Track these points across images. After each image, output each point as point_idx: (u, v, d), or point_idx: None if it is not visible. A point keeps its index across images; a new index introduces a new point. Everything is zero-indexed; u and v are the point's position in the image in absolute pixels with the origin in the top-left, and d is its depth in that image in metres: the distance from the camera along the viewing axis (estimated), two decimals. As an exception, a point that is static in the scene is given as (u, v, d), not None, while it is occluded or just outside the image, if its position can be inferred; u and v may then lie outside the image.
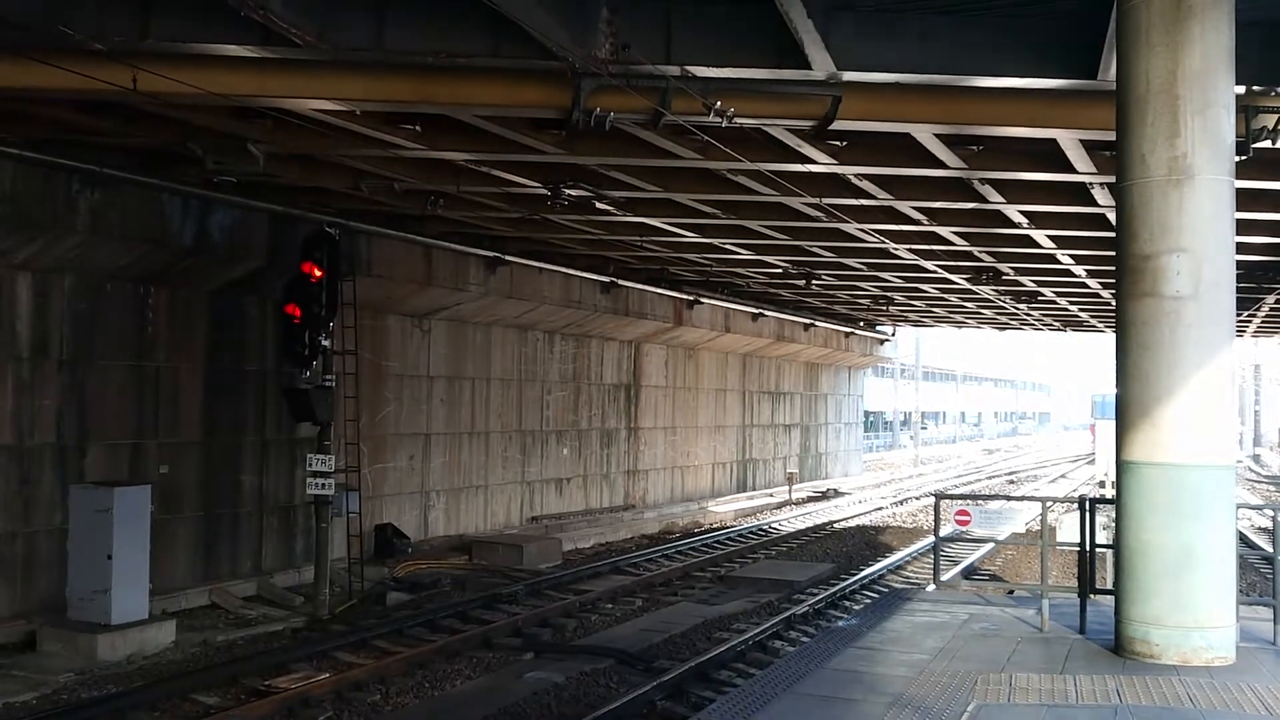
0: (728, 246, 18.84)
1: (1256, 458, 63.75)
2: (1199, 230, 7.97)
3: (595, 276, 21.66)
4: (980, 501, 13.40)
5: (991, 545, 19.54)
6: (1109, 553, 9.95)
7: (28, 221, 11.95)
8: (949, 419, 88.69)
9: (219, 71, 9.28)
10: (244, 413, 15.50)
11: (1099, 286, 22.54)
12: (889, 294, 26.69)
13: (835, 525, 25.62)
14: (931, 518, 16.67)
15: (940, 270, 20.96)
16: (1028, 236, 16.75)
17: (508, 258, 19.00)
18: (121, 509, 12.14)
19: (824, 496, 32.53)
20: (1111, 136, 8.59)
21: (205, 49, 8.87)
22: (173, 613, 13.42)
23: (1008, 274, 21.51)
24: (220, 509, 15.14)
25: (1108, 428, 17.64)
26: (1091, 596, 9.41)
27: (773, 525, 25.36)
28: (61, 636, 11.90)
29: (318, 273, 13.77)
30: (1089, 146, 11.24)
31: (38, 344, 12.80)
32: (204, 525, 14.88)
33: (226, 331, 15.21)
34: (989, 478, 44.86)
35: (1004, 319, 32.42)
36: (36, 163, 11.83)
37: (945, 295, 25.84)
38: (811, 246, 18.62)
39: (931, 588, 12.13)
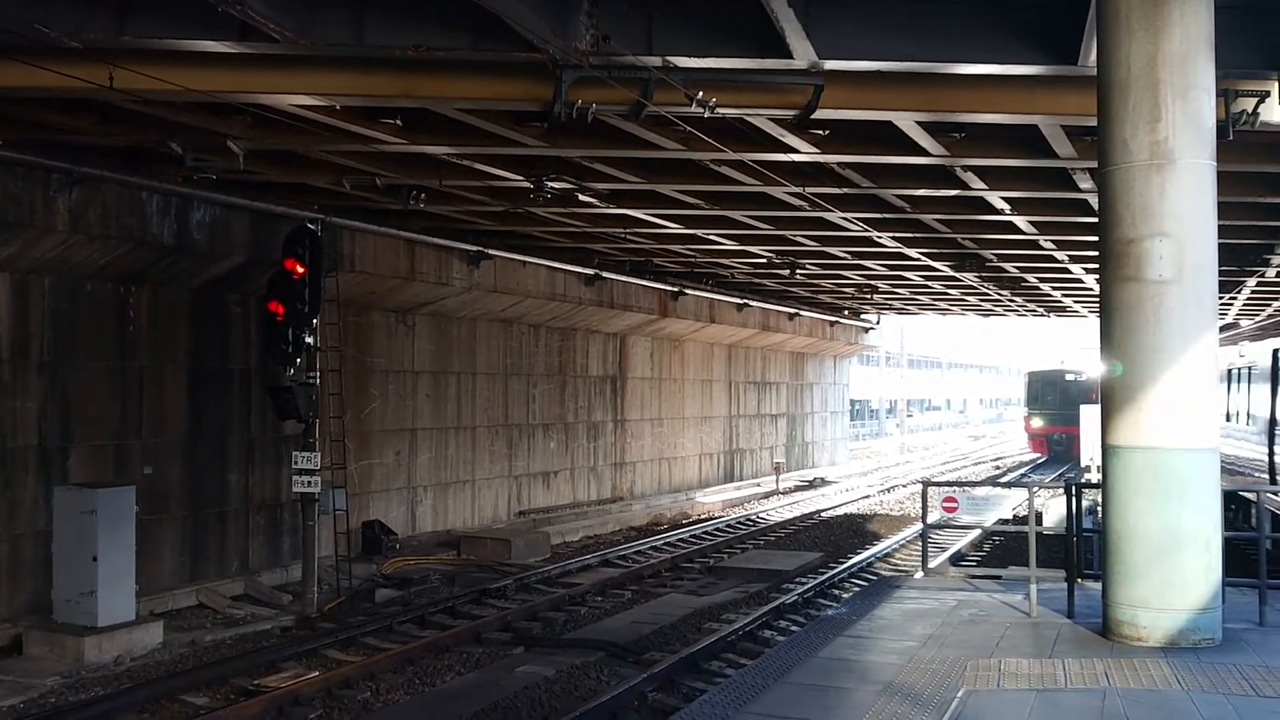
0: (712, 237, 18.82)
1: None
2: (1181, 214, 8.02)
3: (579, 269, 21.62)
4: (967, 488, 13.45)
5: (979, 531, 19.62)
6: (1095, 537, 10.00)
7: (5, 222, 11.84)
8: (934, 406, 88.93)
9: (197, 68, 9.22)
10: (228, 411, 15.42)
11: (1082, 272, 22.63)
12: (873, 282, 26.74)
13: (823, 514, 25.68)
14: (918, 505, 16.71)
15: (923, 258, 21.00)
16: (1010, 223, 16.80)
17: (491, 252, 18.95)
18: (106, 510, 12.07)
19: (811, 485, 32.61)
20: (1093, 122, 8.61)
21: (183, 45, 8.79)
22: (160, 613, 13.36)
23: (991, 260, 21.57)
24: (206, 509, 15.07)
25: (1092, 413, 17.75)
26: (1079, 580, 9.47)
27: (760, 515, 25.41)
28: (48, 639, 11.84)
29: (300, 269, 13.69)
30: (1070, 132, 11.26)
31: (18, 345, 12.70)
32: (190, 525, 14.81)
33: (209, 330, 15.13)
34: (975, 464, 45.05)
35: (988, 305, 32.52)
36: (14, 162, 11.73)
37: (929, 283, 25.90)
38: (795, 236, 18.63)
39: (920, 575, 12.19)
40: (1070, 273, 23.15)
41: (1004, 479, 35.83)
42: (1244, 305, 27.49)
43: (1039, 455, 44.07)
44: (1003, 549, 19.52)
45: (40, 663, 11.54)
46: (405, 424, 19.01)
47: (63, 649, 11.67)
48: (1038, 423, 43.86)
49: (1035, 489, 10.44)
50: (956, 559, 18.49)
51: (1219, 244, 8.48)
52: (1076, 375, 44.16)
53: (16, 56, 8.66)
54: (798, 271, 23.20)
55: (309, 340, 13.96)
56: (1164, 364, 7.97)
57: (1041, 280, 25.30)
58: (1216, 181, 8.27)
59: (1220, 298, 16.46)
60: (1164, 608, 7.96)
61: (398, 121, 11.34)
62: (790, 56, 8.68)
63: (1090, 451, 19.62)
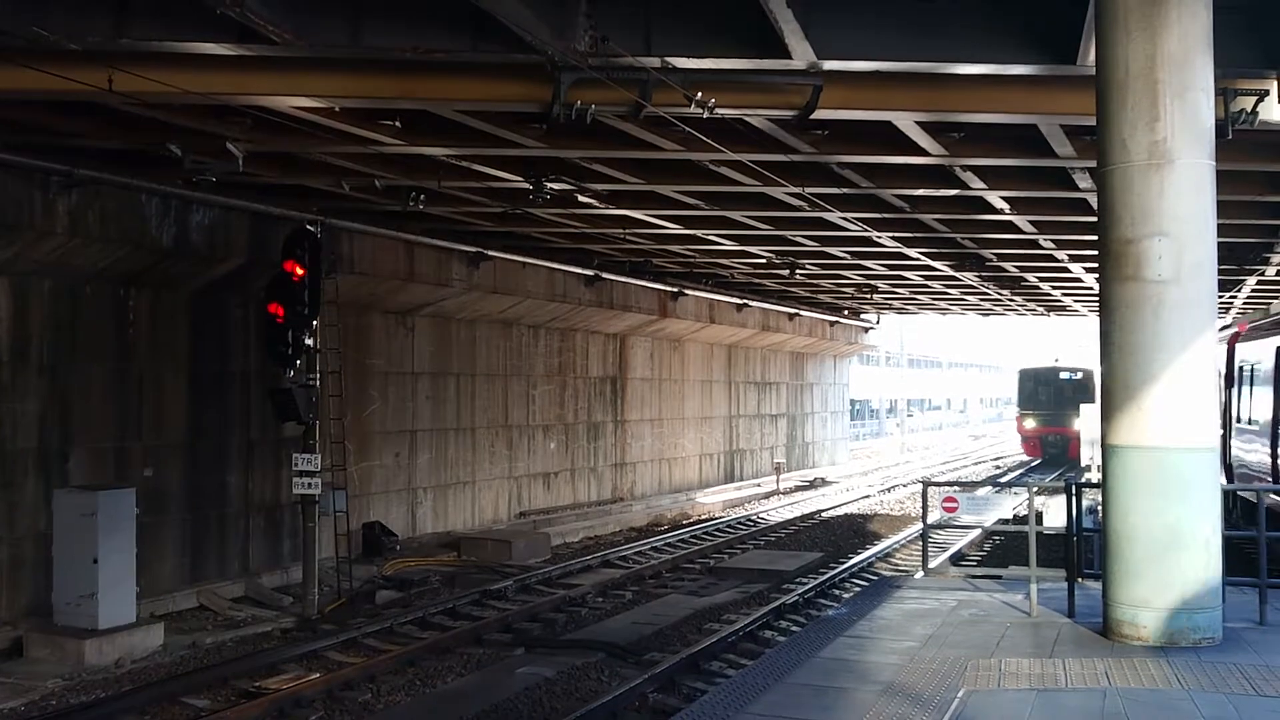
0: (711, 238, 18.82)
1: None
2: (1180, 214, 8.02)
3: (579, 270, 21.62)
4: (967, 488, 13.45)
5: (979, 531, 19.61)
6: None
7: (4, 225, 11.84)
8: (935, 405, 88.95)
9: (196, 70, 9.22)
10: (228, 413, 15.42)
11: (1082, 271, 22.62)
12: (873, 282, 26.74)
13: (823, 514, 25.68)
14: (918, 505, 16.70)
15: (923, 257, 21.00)
16: (1009, 222, 16.79)
17: (490, 253, 18.95)
18: (106, 512, 12.06)
19: (811, 485, 32.60)
20: (1092, 121, 8.60)
21: (181, 48, 8.80)
22: (160, 615, 13.35)
23: (990, 260, 21.58)
24: (206, 510, 15.06)
25: (1092, 412, 17.71)
26: (1080, 580, 9.47)
27: (761, 515, 25.40)
28: (49, 642, 11.83)
29: (300, 271, 13.70)
30: (1069, 131, 11.26)
31: (18, 348, 12.70)
32: (190, 527, 14.81)
33: (209, 332, 15.12)
34: (975, 463, 45.00)
35: (988, 305, 32.52)
36: (13, 165, 11.73)
37: (929, 282, 25.90)
38: (795, 236, 18.63)
39: (920, 575, 12.19)
40: (1070, 272, 23.15)
41: (1004, 479, 35.77)
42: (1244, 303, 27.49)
43: (1032, 458, 41.15)
44: (1003, 549, 19.52)
45: (41, 665, 11.54)
46: (405, 425, 19.01)
47: (63, 651, 11.67)
48: (1030, 424, 41.04)
49: (1035, 489, 10.42)
50: (957, 559, 18.50)
51: (1218, 243, 8.49)
52: (1072, 373, 40.81)
53: (15, 59, 8.66)
54: (797, 271, 23.19)
55: (309, 342, 13.98)
56: (1163, 363, 7.97)
57: (1041, 279, 25.29)
58: (1216, 180, 8.27)
59: (1219, 296, 16.37)
60: (1164, 607, 7.96)
61: (397, 123, 11.34)
62: (789, 57, 8.68)
63: (1090, 451, 19.59)
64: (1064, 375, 41.05)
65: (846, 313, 36.13)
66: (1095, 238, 8.63)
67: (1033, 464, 40.21)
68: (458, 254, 18.49)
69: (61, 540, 12.25)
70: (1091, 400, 31.22)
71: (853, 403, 50.96)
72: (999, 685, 7.18)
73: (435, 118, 11.16)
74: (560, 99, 9.18)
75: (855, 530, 22.87)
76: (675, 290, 25.36)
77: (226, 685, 10.89)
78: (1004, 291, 27.42)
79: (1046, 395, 40.58)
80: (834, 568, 17.41)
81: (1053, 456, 39.20)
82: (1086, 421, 20.58)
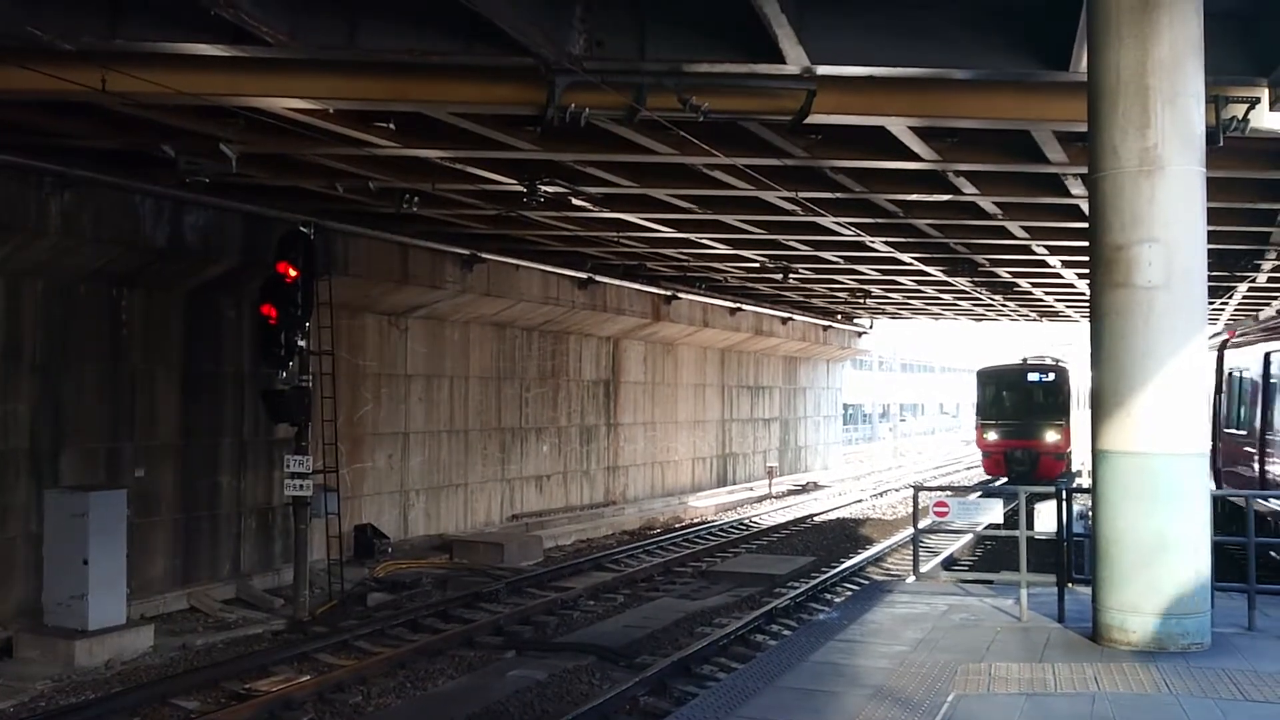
0: (705, 241, 18.85)
1: None
2: (1170, 220, 8.04)
3: (572, 273, 21.64)
4: (959, 493, 13.48)
5: (971, 536, 19.64)
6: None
7: (-2, 224, 11.84)
8: (927, 410, 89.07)
9: (189, 71, 9.21)
10: (221, 415, 15.40)
11: (1074, 276, 22.68)
12: (866, 287, 26.78)
13: (815, 518, 25.70)
14: (910, 509, 16.74)
15: (916, 262, 21.05)
16: (1002, 228, 16.84)
17: (484, 255, 18.96)
18: (97, 513, 12.04)
19: (804, 489, 32.62)
20: (1084, 127, 8.64)
21: (175, 48, 8.79)
22: (151, 617, 13.32)
23: (983, 265, 21.63)
24: (198, 512, 15.04)
25: (1084, 419, 17.71)
26: (1070, 585, 9.49)
27: (753, 519, 25.41)
28: (38, 643, 11.81)
29: (293, 273, 13.68)
30: (1062, 138, 11.30)
31: (10, 348, 12.68)
32: (181, 528, 14.78)
33: (202, 333, 15.11)
34: (967, 468, 45.10)
35: (980, 310, 32.58)
36: (6, 165, 11.71)
37: (922, 287, 25.96)
38: (788, 240, 18.66)
39: (911, 579, 12.21)
40: (1062, 278, 23.22)
41: (995, 483, 35.75)
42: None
43: (993, 477, 32.47)
44: (994, 553, 19.56)
45: (31, 666, 11.52)
46: (398, 427, 18.99)
47: (53, 652, 11.64)
48: (992, 436, 31.93)
49: (1025, 493, 10.44)
50: (948, 563, 18.52)
51: (1209, 249, 8.52)
52: (1042, 374, 32.00)
53: (8, 59, 8.65)
54: (790, 276, 23.24)
55: (302, 344, 13.96)
56: (1153, 369, 7.99)
57: (1034, 285, 25.37)
58: (1206, 187, 8.30)
59: (1211, 303, 16.38)
60: (1153, 612, 7.98)
61: (391, 125, 11.34)
62: (783, 61, 8.70)
63: (1081, 456, 19.60)
64: (1033, 376, 32.21)
65: (840, 317, 36.18)
66: (1087, 243, 8.67)
67: (997, 483, 31.58)
68: (451, 256, 18.49)
69: (52, 541, 12.23)
70: (1067, 405, 30.70)
71: (845, 407, 50.94)
72: (988, 689, 7.20)
73: (429, 120, 11.17)
74: (554, 102, 9.19)
75: (847, 534, 22.90)
76: (668, 294, 25.38)
77: (217, 687, 10.88)
78: (996, 296, 27.48)
79: (1012, 401, 32.13)
80: (826, 572, 17.42)
81: (1020, 475, 30.11)
82: (1078, 428, 20.57)
